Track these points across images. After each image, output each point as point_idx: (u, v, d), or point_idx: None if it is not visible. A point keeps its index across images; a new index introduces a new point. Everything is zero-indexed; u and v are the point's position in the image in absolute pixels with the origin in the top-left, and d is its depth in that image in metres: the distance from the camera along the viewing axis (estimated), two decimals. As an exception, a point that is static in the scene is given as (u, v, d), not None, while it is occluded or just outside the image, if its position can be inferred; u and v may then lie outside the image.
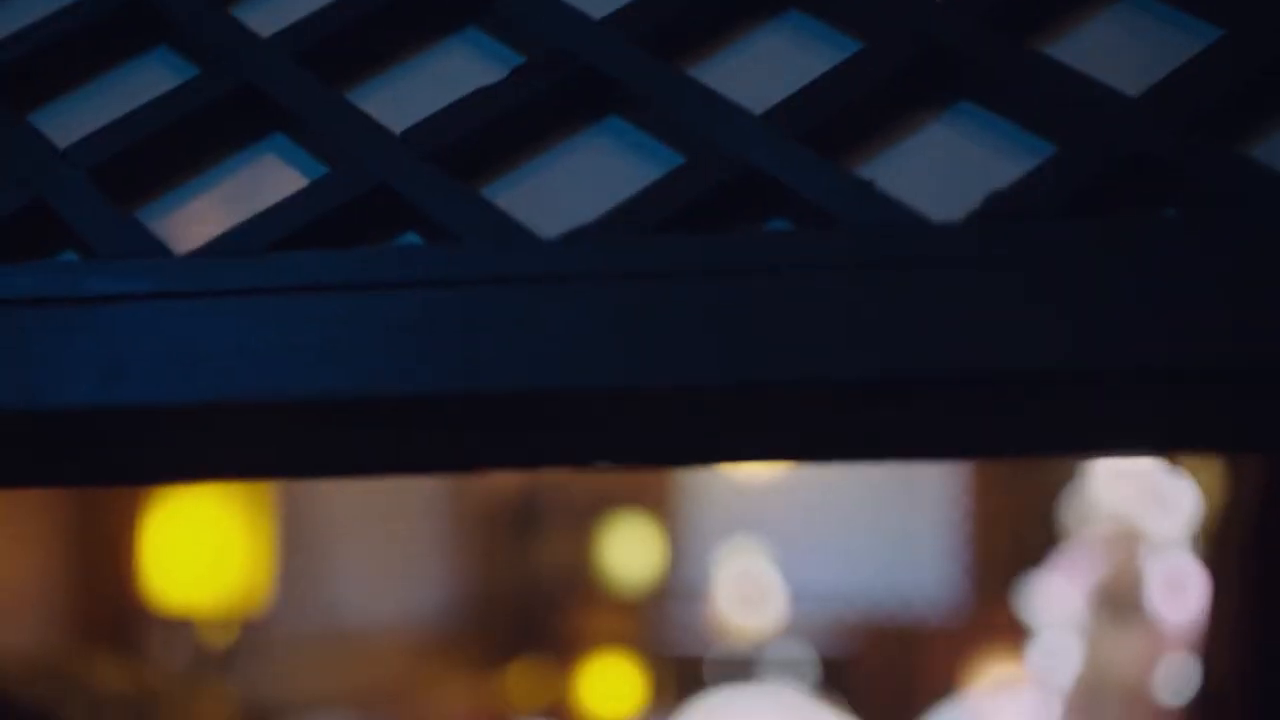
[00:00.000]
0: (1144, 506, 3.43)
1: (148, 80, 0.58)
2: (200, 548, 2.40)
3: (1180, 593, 3.39)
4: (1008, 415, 0.48)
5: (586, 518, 5.45)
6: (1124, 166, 0.47)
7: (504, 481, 4.77)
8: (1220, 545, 1.47)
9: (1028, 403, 0.49)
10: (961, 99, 0.50)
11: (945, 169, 0.49)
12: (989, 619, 4.94)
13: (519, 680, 4.82)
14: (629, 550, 5.47)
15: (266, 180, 0.56)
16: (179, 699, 2.30)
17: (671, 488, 5.80)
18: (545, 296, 0.49)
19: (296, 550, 3.13)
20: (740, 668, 5.28)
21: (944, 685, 4.61)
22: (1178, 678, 3.33)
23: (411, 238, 0.53)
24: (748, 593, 5.38)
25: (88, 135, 0.56)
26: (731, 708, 4.56)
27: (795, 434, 0.50)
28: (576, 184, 0.53)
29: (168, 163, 0.56)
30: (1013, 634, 4.26)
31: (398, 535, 4.03)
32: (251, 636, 2.72)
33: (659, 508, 5.74)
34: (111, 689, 2.09)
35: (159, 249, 0.53)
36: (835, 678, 5.26)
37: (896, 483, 5.60)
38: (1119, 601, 3.48)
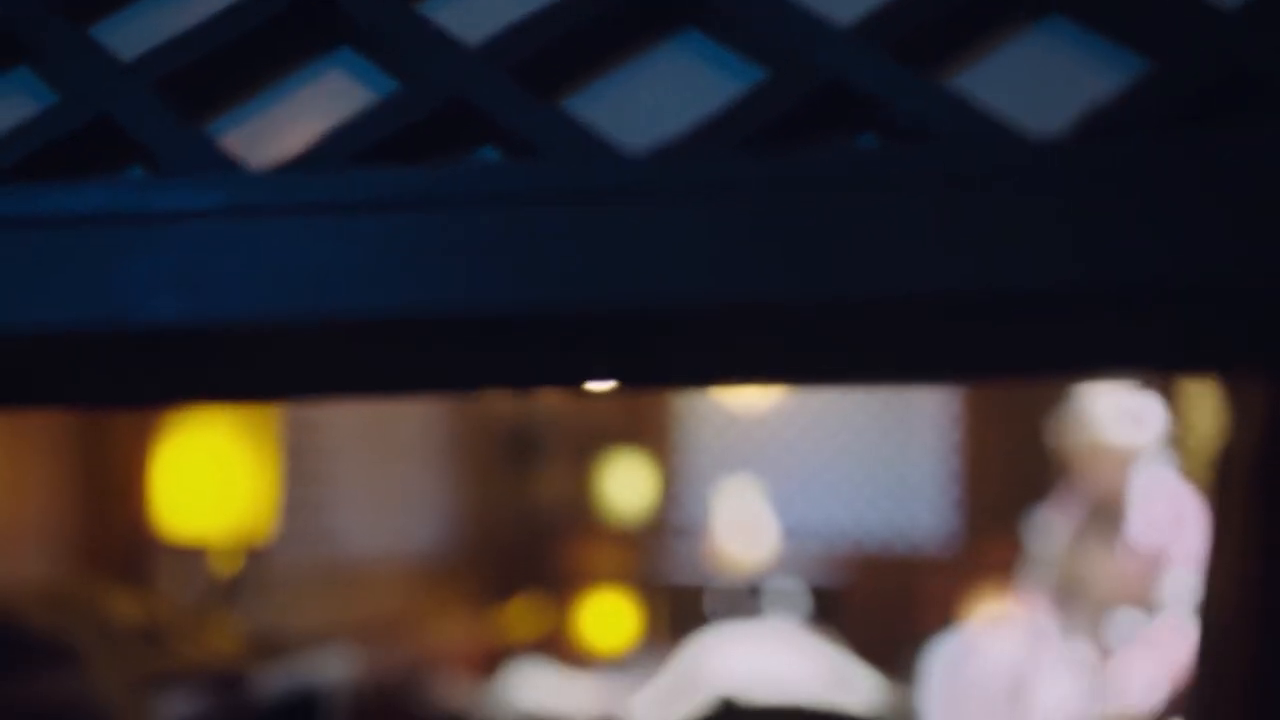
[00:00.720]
0: (1127, 426, 3.55)
1: (211, -8, 0.57)
2: (208, 478, 2.40)
3: (1164, 508, 3.51)
4: (1102, 331, 0.47)
5: (584, 451, 5.46)
6: (1222, 80, 0.47)
7: (502, 414, 4.77)
8: (1229, 464, 1.47)
9: (1124, 318, 0.48)
10: (1054, 11, 0.49)
11: (1038, 84, 0.49)
12: (984, 551, 4.97)
13: (516, 612, 4.84)
14: (626, 484, 5.49)
15: (334, 95, 0.55)
16: (187, 628, 2.30)
17: (669, 421, 5.81)
18: (630, 213, 0.48)
19: (299, 481, 3.12)
20: (736, 601, 5.31)
21: (939, 617, 4.64)
22: (1167, 590, 3.44)
23: (488, 153, 0.52)
24: (744, 526, 5.41)
25: (152, 49, 0.55)
26: (727, 641, 4.59)
27: (886, 351, 0.49)
28: (656, 99, 0.52)
29: (233, 77, 0.55)
30: (1007, 566, 4.30)
31: (397, 468, 4.03)
32: (256, 568, 2.73)
33: (656, 441, 5.75)
34: (122, 618, 2.09)
35: (228, 164, 0.52)
36: (831, 610, 5.29)
37: (892, 417, 5.62)
38: (1103, 517, 3.61)
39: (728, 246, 0.47)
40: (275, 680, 2.46)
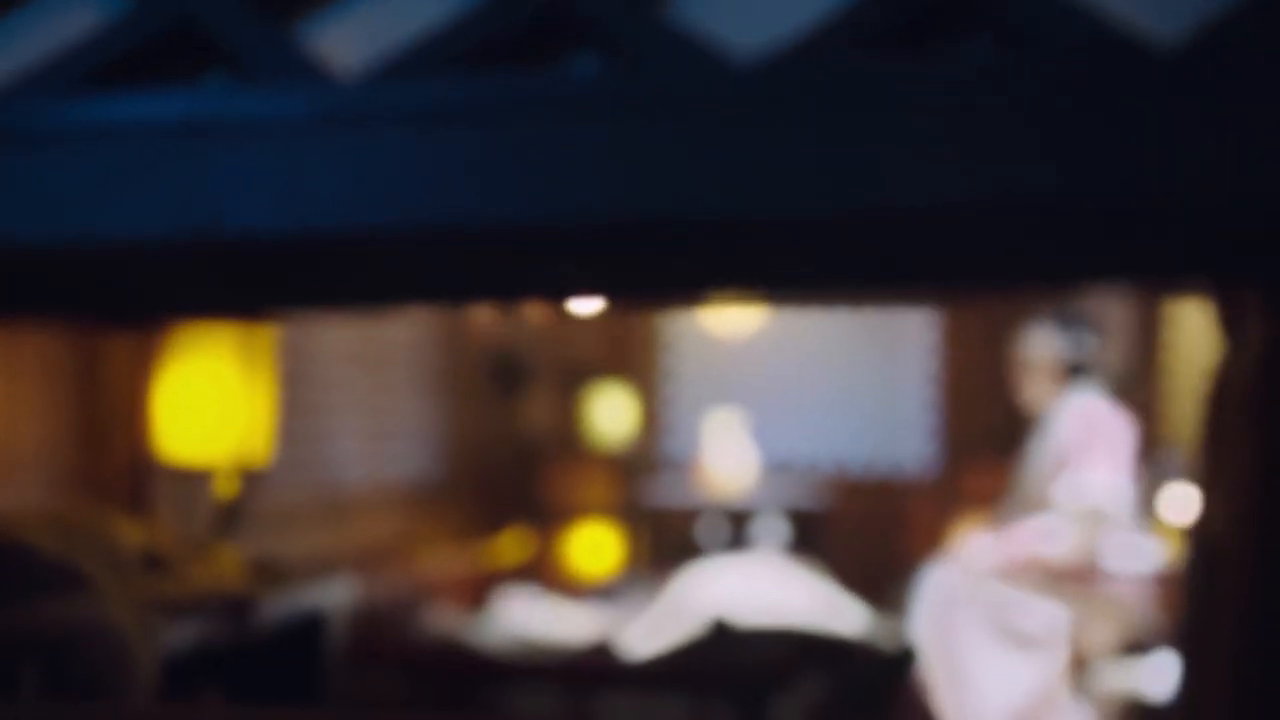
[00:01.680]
0: (1050, 348, 3.75)
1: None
2: (207, 401, 2.39)
3: (1075, 424, 3.78)
4: (1211, 242, 0.47)
5: (571, 380, 5.46)
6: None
7: (490, 344, 4.76)
8: (1223, 390, 1.47)
9: (1214, 230, 0.48)
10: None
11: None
12: (967, 477, 5.00)
13: (506, 540, 4.86)
14: (613, 412, 5.49)
15: (413, 1, 0.54)
16: (190, 555, 2.30)
17: (654, 350, 5.81)
18: (740, 122, 0.47)
19: (293, 411, 3.12)
20: (723, 528, 5.33)
21: (923, 543, 4.67)
22: (1059, 494, 3.71)
23: (585, 60, 0.51)
24: (729, 453, 5.42)
25: (235, -49, 0.53)
26: (718, 570, 4.61)
27: (990, 258, 0.48)
28: (756, 5, 0.51)
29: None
30: (990, 491, 4.34)
31: (389, 399, 4.03)
32: (255, 497, 2.73)
33: (642, 370, 5.75)
34: (127, 545, 2.09)
35: (316, 69, 0.51)
36: (815, 536, 5.32)
37: (878, 344, 5.63)
38: (1031, 431, 3.84)
39: (842, 156, 0.46)
40: (278, 607, 2.46)
